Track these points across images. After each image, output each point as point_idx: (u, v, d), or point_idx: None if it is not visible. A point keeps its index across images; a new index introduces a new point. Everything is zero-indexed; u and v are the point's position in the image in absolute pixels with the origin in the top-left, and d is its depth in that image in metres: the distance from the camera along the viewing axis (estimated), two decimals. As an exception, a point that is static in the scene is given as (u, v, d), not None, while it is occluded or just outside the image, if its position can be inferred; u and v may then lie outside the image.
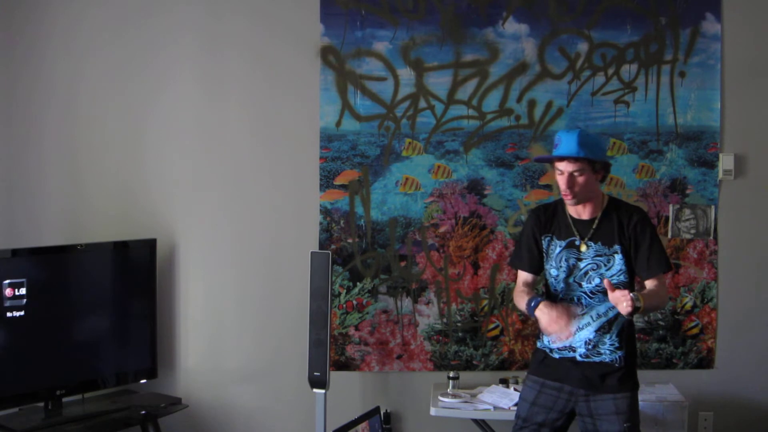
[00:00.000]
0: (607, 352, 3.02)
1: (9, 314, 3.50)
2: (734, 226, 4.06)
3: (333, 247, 4.04)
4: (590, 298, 3.02)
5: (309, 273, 3.80)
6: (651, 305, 2.92)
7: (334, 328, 4.05)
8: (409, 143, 4.04)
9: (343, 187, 4.05)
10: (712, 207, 4.05)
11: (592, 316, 3.02)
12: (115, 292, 3.92)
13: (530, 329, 4.05)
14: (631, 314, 2.81)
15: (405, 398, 4.11)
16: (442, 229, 4.06)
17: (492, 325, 4.08)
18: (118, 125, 4.04)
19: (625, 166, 4.04)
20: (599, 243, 3.03)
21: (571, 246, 3.06)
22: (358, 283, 4.08)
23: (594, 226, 3.05)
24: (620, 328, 3.02)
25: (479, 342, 4.09)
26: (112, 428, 3.54)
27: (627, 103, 4.03)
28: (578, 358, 3.04)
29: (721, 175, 4.03)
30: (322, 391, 3.80)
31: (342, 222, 4.06)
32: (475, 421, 3.79)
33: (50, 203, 4.02)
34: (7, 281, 3.49)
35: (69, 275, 3.75)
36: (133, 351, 3.93)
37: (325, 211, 4.05)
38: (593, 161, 2.96)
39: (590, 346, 3.03)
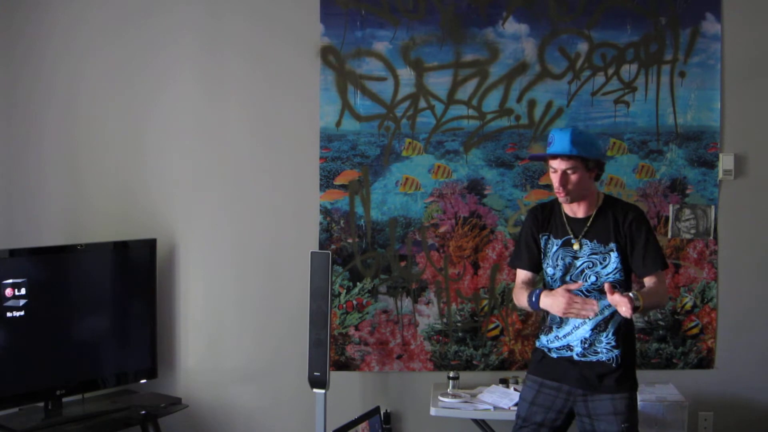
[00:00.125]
0: (604, 350, 3.02)
1: (9, 314, 3.50)
2: (734, 226, 4.06)
3: (333, 247, 4.04)
4: (586, 296, 3.02)
5: (309, 273, 3.80)
6: (651, 304, 2.92)
7: (334, 328, 4.06)
8: (409, 143, 4.04)
9: (343, 187, 4.05)
10: (712, 207, 4.05)
11: None
12: (115, 292, 3.92)
13: (530, 329, 4.05)
14: (634, 312, 2.81)
15: (405, 398, 4.11)
16: (442, 229, 4.06)
17: (492, 325, 4.09)
18: (118, 125, 4.04)
19: (625, 166, 4.04)
20: (594, 241, 3.03)
21: (566, 244, 3.06)
22: (358, 283, 4.08)
23: (588, 224, 3.05)
24: (617, 326, 3.02)
25: (479, 342, 4.09)
26: (112, 428, 3.54)
27: (627, 103, 4.03)
28: (575, 357, 3.04)
29: (721, 175, 4.03)
30: (322, 391, 3.80)
31: (342, 222, 4.06)
32: (475, 421, 3.79)
33: (50, 203, 4.02)
34: (7, 281, 3.49)
35: (69, 275, 3.75)
36: (133, 351, 3.93)
37: (325, 211, 4.05)
38: (586, 159, 2.96)
39: (587, 345, 3.03)
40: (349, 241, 4.06)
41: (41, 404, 3.60)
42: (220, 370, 4.10)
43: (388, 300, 4.09)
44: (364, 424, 3.61)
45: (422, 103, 4.02)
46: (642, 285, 3.03)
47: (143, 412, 3.67)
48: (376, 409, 3.75)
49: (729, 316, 4.07)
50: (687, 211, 4.05)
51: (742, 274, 4.07)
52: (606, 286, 2.82)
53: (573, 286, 2.94)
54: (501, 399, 3.74)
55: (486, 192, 4.05)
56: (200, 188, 4.07)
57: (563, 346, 3.07)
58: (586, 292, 3.02)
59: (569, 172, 2.96)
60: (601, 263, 3.01)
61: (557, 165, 2.97)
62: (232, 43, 4.03)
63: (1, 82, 3.97)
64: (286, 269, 4.06)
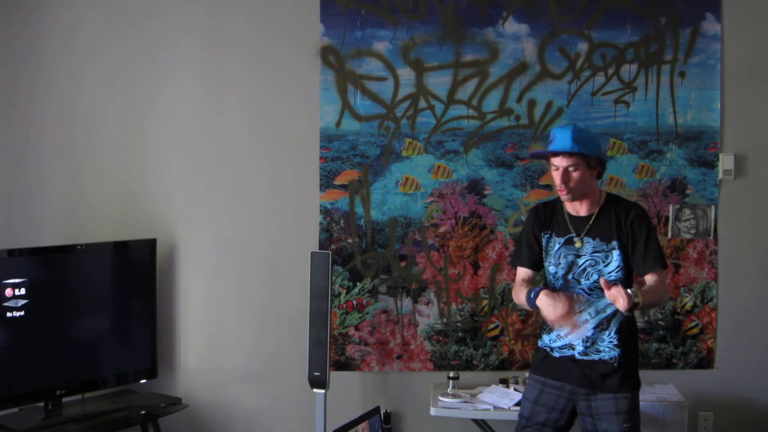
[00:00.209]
0: (606, 349, 3.01)
1: (9, 314, 3.50)
2: (734, 226, 4.06)
3: (333, 247, 4.04)
4: (588, 294, 3.02)
5: (309, 273, 3.80)
6: (650, 301, 2.91)
7: (334, 328, 4.06)
8: (409, 143, 4.04)
9: (343, 187, 4.05)
10: (712, 207, 4.05)
11: (590, 313, 3.02)
12: (115, 292, 3.92)
13: (530, 329, 4.06)
14: (629, 310, 2.81)
15: (405, 398, 4.11)
16: (442, 229, 4.06)
17: (492, 325, 4.09)
18: (118, 125, 4.04)
19: (625, 166, 4.04)
20: (597, 239, 3.03)
21: (569, 243, 3.06)
22: (358, 283, 4.08)
23: (590, 222, 3.05)
24: (619, 324, 3.02)
25: (479, 342, 4.09)
26: (112, 428, 3.54)
27: (627, 103, 4.03)
28: (577, 356, 3.04)
29: (721, 175, 4.03)
30: (322, 391, 3.80)
31: (342, 222, 4.06)
32: (475, 421, 3.79)
33: (50, 203, 4.02)
34: (7, 281, 3.49)
35: (69, 275, 3.75)
36: (133, 351, 3.93)
37: (325, 211, 4.05)
38: (588, 156, 2.96)
39: (589, 344, 3.03)
40: (349, 241, 4.06)
41: (41, 404, 3.60)
42: (220, 370, 4.10)
43: (388, 300, 4.09)
44: (364, 424, 3.61)
45: (422, 103, 4.02)
46: (642, 284, 3.03)
47: (143, 412, 3.67)
48: (376, 409, 3.76)
49: (729, 316, 4.07)
50: (687, 211, 4.05)
51: (742, 274, 4.07)
52: (602, 282, 2.81)
53: (578, 301, 2.95)
54: (501, 399, 3.74)
55: (486, 192, 4.05)
56: (200, 188, 4.07)
57: (565, 345, 3.06)
58: (588, 291, 3.02)
59: (571, 169, 2.96)
60: (603, 261, 3.01)
61: (559, 162, 2.98)
62: (232, 43, 4.03)
63: (1, 82, 3.97)
64: (286, 269, 4.06)
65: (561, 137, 2.97)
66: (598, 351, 3.02)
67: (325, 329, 3.76)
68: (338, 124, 4.03)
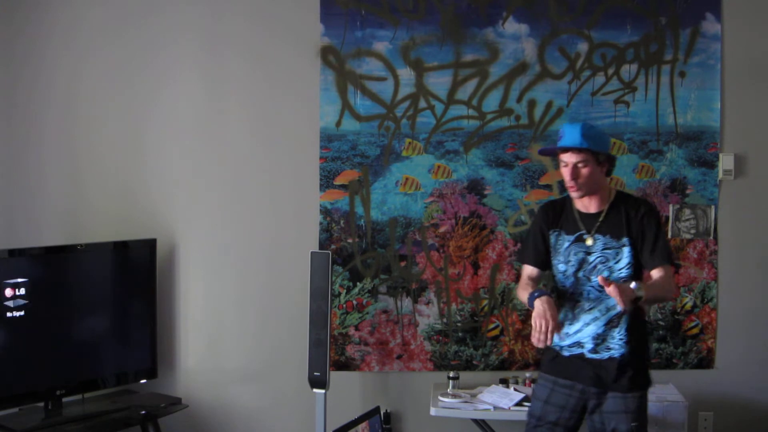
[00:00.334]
0: (616, 346, 3.00)
1: (9, 314, 3.50)
2: (734, 226, 4.06)
3: (333, 247, 4.04)
4: (599, 292, 3.01)
5: (309, 273, 3.80)
6: (653, 295, 2.90)
7: (334, 328, 4.06)
8: (409, 143, 4.04)
9: (343, 187, 4.05)
10: (712, 207, 4.05)
11: (600, 310, 3.01)
12: (115, 292, 3.92)
13: (530, 329, 4.03)
14: (633, 303, 2.80)
15: (405, 398, 4.11)
16: (442, 229, 4.06)
17: (492, 325, 4.09)
18: (118, 125, 4.04)
19: (625, 166, 4.03)
20: (608, 236, 3.02)
21: (579, 240, 3.06)
22: (358, 283, 4.08)
23: (600, 219, 3.04)
24: (629, 322, 3.01)
25: (479, 342, 4.09)
26: (112, 428, 3.54)
27: (627, 103, 4.04)
28: (587, 354, 3.03)
29: (721, 175, 4.03)
30: (322, 391, 3.80)
31: (342, 222, 4.06)
32: (475, 421, 3.79)
33: (50, 203, 4.02)
34: (7, 281, 3.49)
35: (69, 275, 3.75)
36: (133, 351, 3.93)
37: (325, 211, 4.05)
38: (597, 153, 2.97)
39: (599, 341, 3.02)
40: (349, 241, 4.06)
41: (41, 404, 3.60)
42: (220, 370, 4.10)
43: (388, 300, 4.09)
44: (364, 424, 3.61)
45: (422, 103, 4.02)
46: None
47: (143, 412, 3.67)
48: (376, 409, 3.76)
49: (729, 316, 4.07)
50: (687, 211, 4.05)
51: (742, 274, 4.07)
52: (600, 280, 2.80)
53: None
54: (501, 399, 3.74)
55: (486, 192, 4.05)
56: (200, 188, 4.07)
57: (574, 343, 3.06)
58: (598, 288, 3.01)
59: (580, 165, 2.96)
60: (613, 258, 3.01)
61: (568, 159, 2.98)
62: (232, 43, 4.03)
63: (1, 82, 3.97)
64: (286, 269, 4.06)
65: (570, 133, 2.97)
66: (608, 348, 3.01)
67: (325, 329, 3.76)
68: (338, 124, 4.03)
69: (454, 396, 3.80)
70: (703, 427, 4.07)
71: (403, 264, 4.08)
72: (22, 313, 3.53)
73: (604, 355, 3.01)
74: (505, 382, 3.93)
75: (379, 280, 4.08)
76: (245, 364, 4.11)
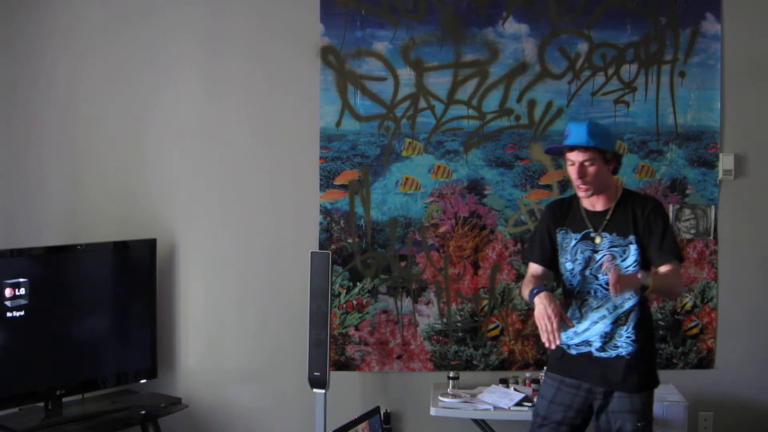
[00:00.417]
0: (623, 345, 3.00)
1: (9, 314, 3.50)
2: (734, 226, 4.06)
3: (333, 247, 4.04)
4: (606, 290, 3.01)
5: (309, 273, 3.80)
6: (662, 285, 2.90)
7: (334, 328, 4.05)
8: (409, 143, 4.04)
9: (343, 187, 4.05)
10: (712, 207, 4.05)
11: (608, 309, 3.01)
12: (115, 292, 3.92)
13: (530, 329, 4.05)
14: (641, 291, 2.80)
15: (405, 398, 4.11)
16: (442, 229, 4.06)
17: (492, 325, 4.09)
18: (118, 125, 4.04)
19: (625, 166, 3.99)
20: (614, 234, 3.02)
21: (586, 238, 3.05)
22: (358, 283, 4.08)
23: (608, 217, 3.04)
24: (636, 320, 3.01)
25: (479, 342, 4.09)
26: (112, 428, 3.54)
27: (627, 103, 4.03)
28: (594, 352, 3.03)
29: (721, 175, 4.03)
30: (322, 391, 3.80)
31: (342, 222, 4.06)
32: (475, 421, 3.79)
33: (50, 203, 4.02)
34: (7, 281, 3.49)
35: (69, 275, 3.75)
36: (133, 351, 3.93)
37: (325, 211, 4.05)
38: (604, 151, 2.97)
39: (606, 339, 3.02)
40: (349, 241, 4.06)
41: (41, 404, 3.60)
42: (220, 370, 4.10)
43: (388, 300, 4.09)
44: (364, 424, 3.61)
45: (422, 103, 4.02)
46: None
47: (143, 412, 3.67)
48: (376, 409, 3.75)
49: (729, 316, 4.07)
50: (687, 211, 4.05)
51: (742, 274, 4.07)
52: (605, 259, 2.78)
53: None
54: (501, 399, 3.74)
55: (486, 192, 4.05)
56: (200, 188, 4.07)
57: (582, 342, 3.06)
58: (605, 286, 3.01)
59: (587, 163, 2.96)
60: (620, 256, 3.00)
61: (575, 157, 2.97)
62: (232, 43, 4.03)
63: (1, 82, 3.97)
64: (286, 269, 4.06)
65: (576, 132, 2.97)
66: (616, 346, 3.01)
67: (325, 329, 3.76)
68: (338, 124, 4.03)
69: (454, 396, 3.80)
70: (703, 427, 4.07)
71: (403, 264, 4.07)
72: (22, 313, 3.53)
73: (612, 353, 3.01)
74: (505, 382, 3.93)
75: (379, 280, 4.07)
76: (245, 364, 4.11)
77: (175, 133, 4.05)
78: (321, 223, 4.06)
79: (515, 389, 3.82)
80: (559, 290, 3.31)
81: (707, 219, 4.05)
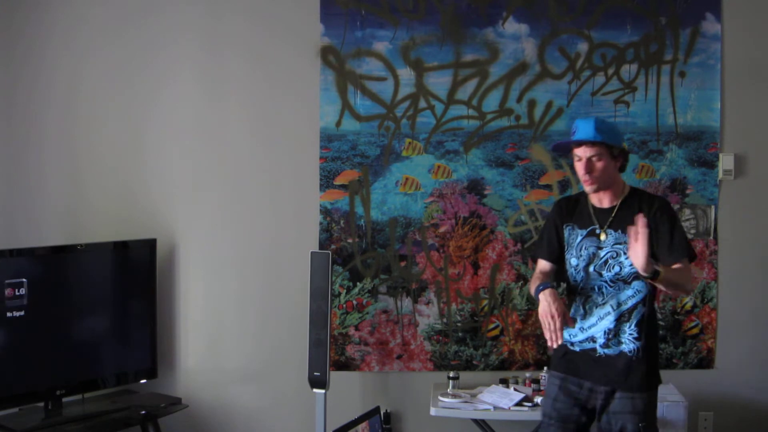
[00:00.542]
0: (626, 341, 2.99)
1: (9, 314, 3.50)
2: (734, 226, 4.06)
3: (333, 247, 4.04)
4: (610, 286, 3.01)
5: (309, 273, 3.80)
6: (671, 277, 2.88)
7: (334, 328, 4.05)
8: (409, 143, 4.04)
9: (343, 187, 4.05)
10: (712, 207, 4.05)
11: (612, 305, 3.01)
12: (115, 292, 3.92)
13: (530, 329, 4.05)
14: (650, 278, 2.79)
15: (405, 398, 4.11)
16: (442, 229, 4.06)
17: (492, 325, 4.09)
18: (118, 125, 4.04)
19: (625, 166, 4.03)
20: (619, 231, 3.02)
21: (591, 234, 3.06)
22: (358, 283, 4.08)
23: (613, 214, 3.05)
24: (640, 317, 3.00)
25: (479, 342, 4.09)
26: (112, 428, 3.54)
27: (627, 103, 4.03)
28: (599, 348, 3.03)
29: (721, 175, 4.03)
30: (322, 391, 3.80)
31: (342, 222, 4.06)
32: (475, 421, 3.79)
33: (50, 203, 4.02)
34: (7, 281, 3.49)
35: (69, 275, 3.75)
36: (133, 351, 3.93)
37: (325, 211, 4.05)
38: (611, 146, 2.97)
39: (610, 336, 3.02)
40: (349, 241, 4.06)
41: (41, 404, 3.60)
42: (220, 370, 4.10)
43: (388, 300, 4.09)
44: (364, 424, 3.61)
45: (422, 103, 4.02)
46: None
47: (143, 412, 3.67)
48: (376, 409, 3.76)
49: (729, 316, 4.07)
50: (687, 211, 4.05)
51: (742, 274, 4.07)
52: (639, 219, 2.75)
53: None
54: (501, 399, 3.74)
55: (486, 192, 4.05)
56: (200, 188, 4.07)
57: (587, 338, 3.06)
58: (610, 282, 3.01)
59: (594, 159, 2.96)
60: (624, 253, 3.00)
61: (582, 153, 2.98)
62: (232, 43, 4.03)
63: (1, 82, 3.97)
64: (286, 269, 4.06)
65: (583, 127, 2.97)
66: (619, 343, 3.01)
67: (325, 329, 3.76)
68: (338, 124, 4.03)
69: (454, 396, 3.80)
70: (703, 427, 4.07)
71: (403, 264, 4.08)
72: (22, 313, 3.53)
73: (615, 350, 3.01)
74: (505, 382, 3.93)
75: (379, 280, 4.07)
76: (245, 364, 4.11)
77: (175, 133, 4.05)
78: (321, 223, 4.06)
79: (515, 389, 3.82)
80: (561, 289, 3.31)
81: (707, 219, 4.05)
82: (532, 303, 4.02)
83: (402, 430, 4.13)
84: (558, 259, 3.16)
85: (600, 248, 3.03)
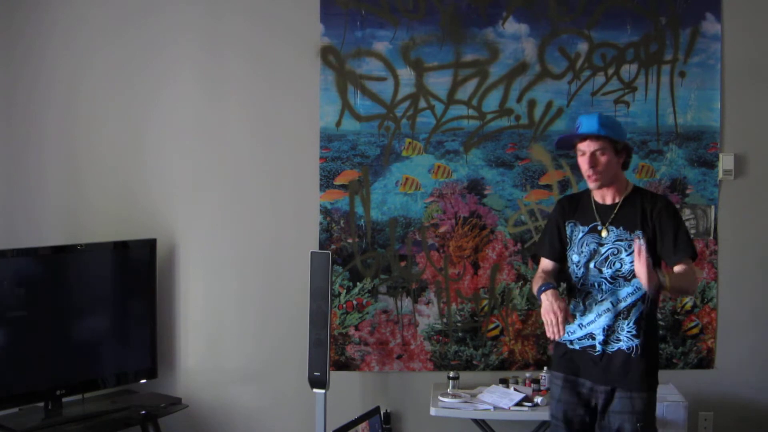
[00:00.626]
0: (625, 339, 3.00)
1: (9, 314, 3.50)
2: (734, 226, 4.06)
3: (333, 247, 4.04)
4: (610, 283, 3.01)
5: (309, 273, 3.80)
6: (678, 284, 2.90)
7: (334, 328, 4.06)
8: (409, 143, 4.04)
9: (343, 187, 4.05)
10: (712, 207, 4.05)
11: (611, 302, 3.01)
12: (115, 292, 3.92)
13: (530, 329, 4.06)
14: (656, 291, 2.80)
15: (405, 398, 4.11)
16: (442, 229, 4.06)
17: (492, 325, 4.09)
18: (118, 125, 4.04)
19: (625, 166, 4.03)
20: (621, 228, 3.02)
21: (593, 231, 3.07)
22: (358, 283, 4.08)
23: (615, 211, 3.05)
24: (639, 315, 3.00)
25: (479, 342, 4.09)
26: (112, 428, 3.54)
27: (627, 103, 4.03)
28: (598, 346, 3.03)
29: (721, 175, 4.03)
30: (322, 391, 3.80)
31: (342, 222, 4.06)
32: (475, 421, 3.79)
33: (50, 203, 4.02)
34: (7, 281, 3.49)
35: (69, 275, 3.75)
36: (133, 351, 3.93)
37: (325, 211, 4.05)
38: (615, 141, 2.98)
39: (609, 332, 3.02)
40: (349, 241, 4.06)
41: (41, 404, 3.60)
42: (220, 370, 4.10)
43: (388, 300, 4.09)
44: (364, 424, 3.62)
45: (422, 103, 4.02)
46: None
47: (143, 412, 3.67)
48: (376, 409, 3.76)
49: (729, 316, 4.07)
50: (687, 211, 4.05)
51: (742, 274, 4.07)
52: (636, 246, 2.76)
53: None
54: (501, 399, 3.74)
55: (486, 192, 4.05)
56: (200, 188, 4.07)
57: (586, 335, 3.06)
58: (609, 279, 3.01)
59: (598, 153, 2.97)
60: (626, 250, 3.00)
61: (586, 147, 2.99)
62: (232, 43, 4.03)
63: (1, 82, 3.97)
64: (286, 269, 4.06)
65: (587, 122, 2.99)
66: (618, 340, 3.01)
67: (325, 329, 3.76)
68: (338, 124, 4.03)
69: (454, 396, 3.80)
70: (703, 427, 4.07)
71: (403, 264, 4.08)
72: (22, 313, 3.53)
73: (614, 347, 3.01)
74: (505, 382, 3.93)
75: (379, 280, 4.07)
76: (245, 364, 4.11)
77: (175, 133, 4.05)
78: (321, 223, 4.06)
79: (515, 389, 3.82)
80: (561, 288, 3.31)
81: (707, 219, 4.05)
82: (532, 303, 4.02)
83: (402, 430, 4.13)
84: (560, 257, 3.17)
85: (601, 245, 3.04)
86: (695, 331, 4.08)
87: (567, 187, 4.03)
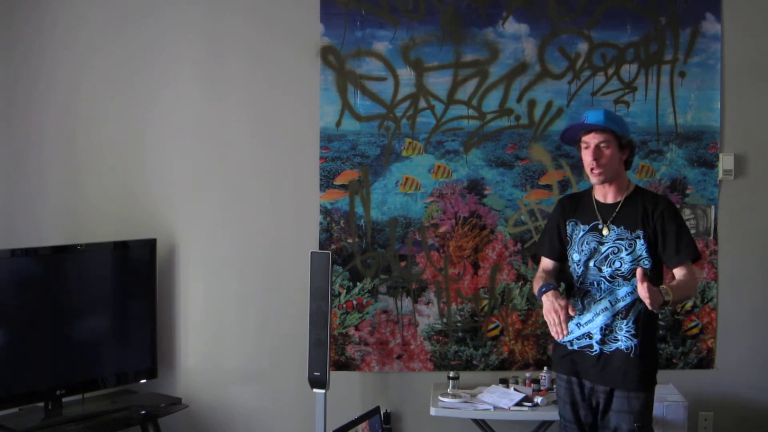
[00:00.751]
0: (623, 338, 3.00)
1: (9, 314, 3.50)
2: (734, 226, 4.06)
3: (333, 247, 4.04)
4: (609, 282, 3.02)
5: (309, 273, 3.80)
6: (680, 297, 2.93)
7: (334, 328, 4.05)
8: (409, 143, 4.04)
9: (343, 187, 4.05)
10: (712, 207, 4.05)
11: (610, 301, 3.02)
12: (115, 292, 3.92)
13: (530, 329, 4.05)
14: (660, 308, 2.82)
15: (405, 398, 4.11)
16: (442, 229, 4.06)
17: (492, 325, 4.09)
18: (118, 125, 4.04)
19: (625, 166, 4.03)
20: (622, 227, 3.03)
21: (594, 229, 3.07)
22: (358, 283, 4.08)
23: (617, 210, 3.05)
24: (637, 314, 3.01)
25: (479, 342, 4.09)
26: (112, 428, 3.54)
27: (627, 103, 4.03)
28: (595, 345, 3.04)
29: (721, 175, 4.03)
30: (322, 391, 3.80)
31: (342, 222, 4.06)
32: (475, 421, 3.79)
33: (50, 203, 4.02)
34: (8, 281, 3.49)
35: (69, 275, 3.75)
36: (133, 351, 3.93)
37: (325, 211, 4.05)
38: (620, 136, 2.99)
39: (607, 332, 3.02)
40: (349, 241, 4.06)
41: (41, 404, 3.60)
42: (220, 370, 4.10)
43: (388, 300, 4.09)
44: (364, 424, 3.61)
45: (422, 103, 4.02)
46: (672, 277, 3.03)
47: (143, 412, 3.67)
48: (376, 409, 3.76)
49: (729, 316, 4.07)
50: (687, 211, 4.05)
51: (742, 274, 4.07)
52: (639, 272, 2.79)
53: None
54: (501, 399, 3.74)
55: (486, 192, 4.05)
56: (200, 188, 4.07)
57: (584, 334, 3.06)
58: (608, 278, 3.01)
59: (602, 146, 2.98)
60: (626, 249, 3.01)
61: (590, 139, 3.00)
62: (232, 43, 4.03)
63: (1, 82, 3.97)
64: (286, 269, 4.06)
65: (593, 116, 3.02)
66: (616, 339, 3.01)
67: (325, 329, 3.76)
68: (338, 124, 4.03)
69: (454, 396, 3.80)
70: (703, 427, 4.07)
71: (403, 264, 4.07)
72: (22, 313, 3.53)
73: (612, 347, 3.02)
74: (505, 382, 3.93)
75: (379, 280, 4.07)
76: (245, 364, 4.11)
77: (175, 133, 4.05)
78: (321, 223, 4.06)
79: (515, 389, 3.82)
80: (561, 289, 3.31)
81: (707, 219, 4.05)
82: (532, 303, 4.02)
83: (402, 430, 4.13)
84: (560, 257, 3.17)
85: (602, 243, 3.04)
86: (695, 331, 4.08)
87: (567, 187, 4.03)
